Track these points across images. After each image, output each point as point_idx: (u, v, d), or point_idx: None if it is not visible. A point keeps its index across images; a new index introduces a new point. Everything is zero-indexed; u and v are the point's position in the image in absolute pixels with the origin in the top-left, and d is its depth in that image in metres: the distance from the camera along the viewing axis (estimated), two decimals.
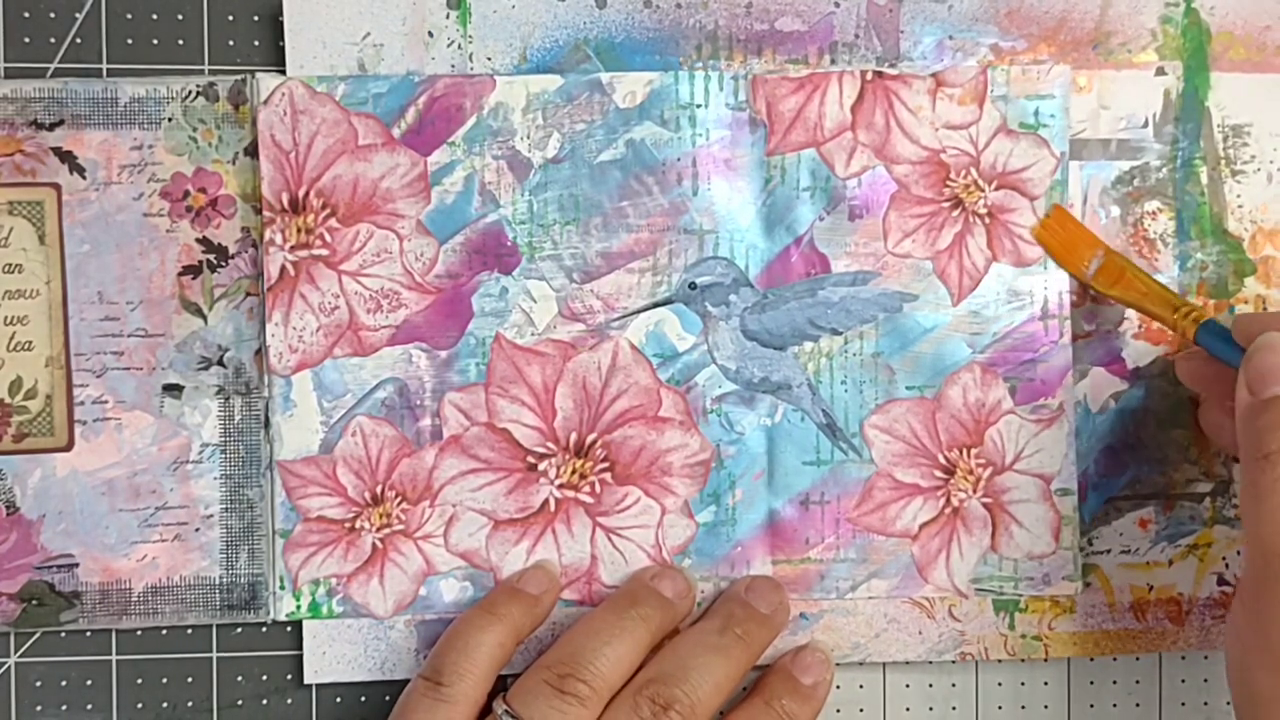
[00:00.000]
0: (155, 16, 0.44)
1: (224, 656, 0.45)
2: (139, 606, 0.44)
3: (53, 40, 0.44)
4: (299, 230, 0.43)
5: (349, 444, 0.44)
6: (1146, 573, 0.45)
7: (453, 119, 0.44)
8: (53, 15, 0.44)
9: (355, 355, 0.44)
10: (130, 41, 0.44)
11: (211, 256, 0.44)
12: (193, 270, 0.44)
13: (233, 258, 0.44)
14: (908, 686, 0.46)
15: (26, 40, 0.44)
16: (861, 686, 0.46)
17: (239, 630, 0.45)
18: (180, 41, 0.44)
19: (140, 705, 0.45)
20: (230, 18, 0.45)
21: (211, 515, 0.44)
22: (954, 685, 0.46)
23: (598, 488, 0.44)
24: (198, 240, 0.44)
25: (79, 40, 0.44)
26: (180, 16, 0.44)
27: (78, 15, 0.44)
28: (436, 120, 0.44)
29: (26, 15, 0.44)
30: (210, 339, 0.44)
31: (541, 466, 0.44)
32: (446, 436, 0.44)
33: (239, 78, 0.44)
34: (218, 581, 0.44)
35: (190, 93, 0.44)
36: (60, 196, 0.43)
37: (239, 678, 0.45)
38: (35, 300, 0.44)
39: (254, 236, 0.44)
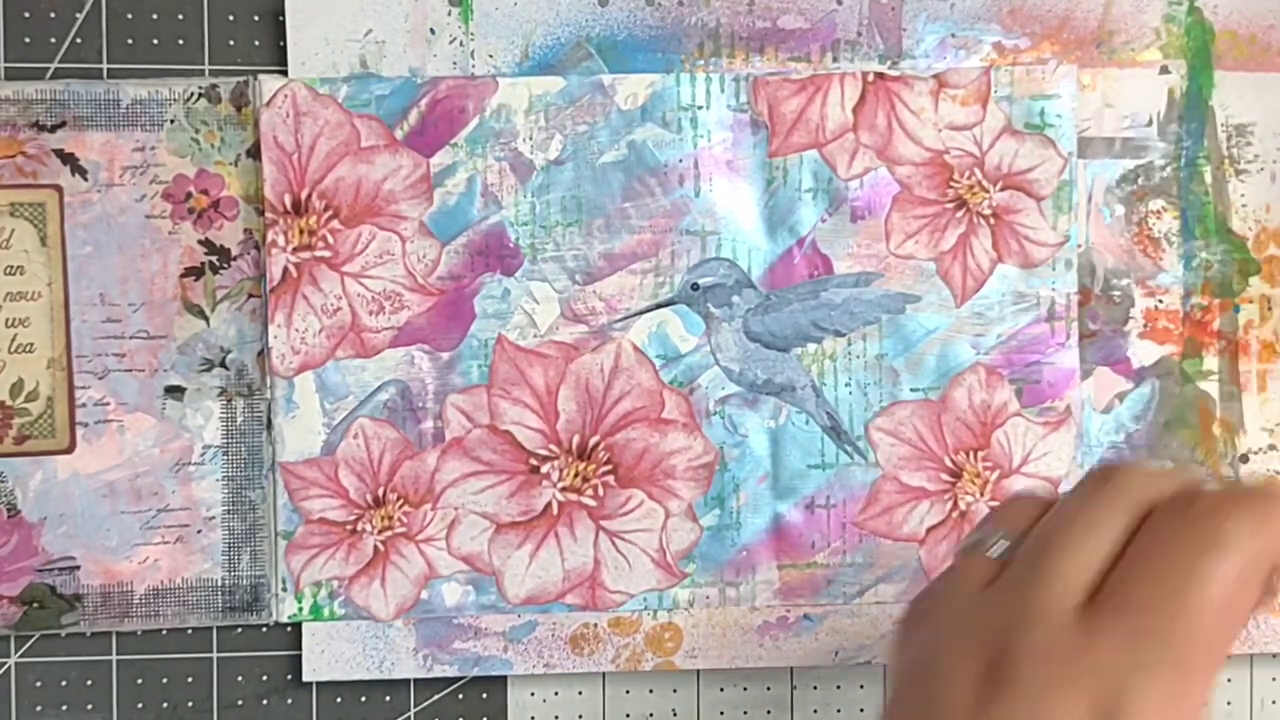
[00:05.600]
0: (155, 16, 0.48)
1: (224, 657, 0.49)
2: (140, 609, 0.48)
3: (53, 40, 0.48)
4: (301, 232, 0.47)
5: (351, 446, 0.48)
6: None
7: (455, 120, 0.47)
8: (53, 15, 0.48)
9: (357, 357, 0.48)
10: (130, 41, 0.48)
11: (214, 258, 0.48)
12: (195, 272, 0.48)
13: (235, 259, 0.48)
14: None
15: (26, 40, 0.48)
16: (862, 687, 0.50)
17: (239, 630, 0.49)
18: (180, 41, 0.48)
19: (140, 705, 0.48)
20: (231, 17, 0.48)
21: (213, 517, 0.48)
22: None
23: (601, 491, 0.48)
24: (200, 242, 0.48)
25: (79, 40, 0.48)
26: (181, 16, 0.48)
27: (78, 15, 0.48)
28: (439, 122, 0.47)
29: (27, 15, 0.48)
30: (212, 340, 0.48)
31: (544, 469, 0.48)
32: (449, 439, 0.48)
33: (241, 79, 0.47)
34: (220, 584, 0.48)
35: (192, 94, 0.47)
36: (62, 198, 0.47)
37: (239, 678, 0.49)
38: (37, 302, 0.47)
39: (256, 238, 0.48)
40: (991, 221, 0.48)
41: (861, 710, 0.50)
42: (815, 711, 0.50)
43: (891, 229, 0.48)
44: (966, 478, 0.48)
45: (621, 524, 0.48)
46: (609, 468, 0.48)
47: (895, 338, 0.48)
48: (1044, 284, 0.48)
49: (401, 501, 0.48)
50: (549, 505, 0.48)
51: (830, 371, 0.48)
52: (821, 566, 0.48)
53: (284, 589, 0.48)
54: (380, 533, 0.48)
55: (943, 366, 0.48)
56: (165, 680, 0.49)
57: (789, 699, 0.50)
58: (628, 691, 0.50)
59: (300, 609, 0.48)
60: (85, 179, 0.47)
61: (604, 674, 0.50)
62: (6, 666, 0.48)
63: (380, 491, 0.48)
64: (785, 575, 0.48)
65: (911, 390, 0.48)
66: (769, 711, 0.50)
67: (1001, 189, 0.48)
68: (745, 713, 0.50)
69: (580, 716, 0.50)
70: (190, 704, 0.49)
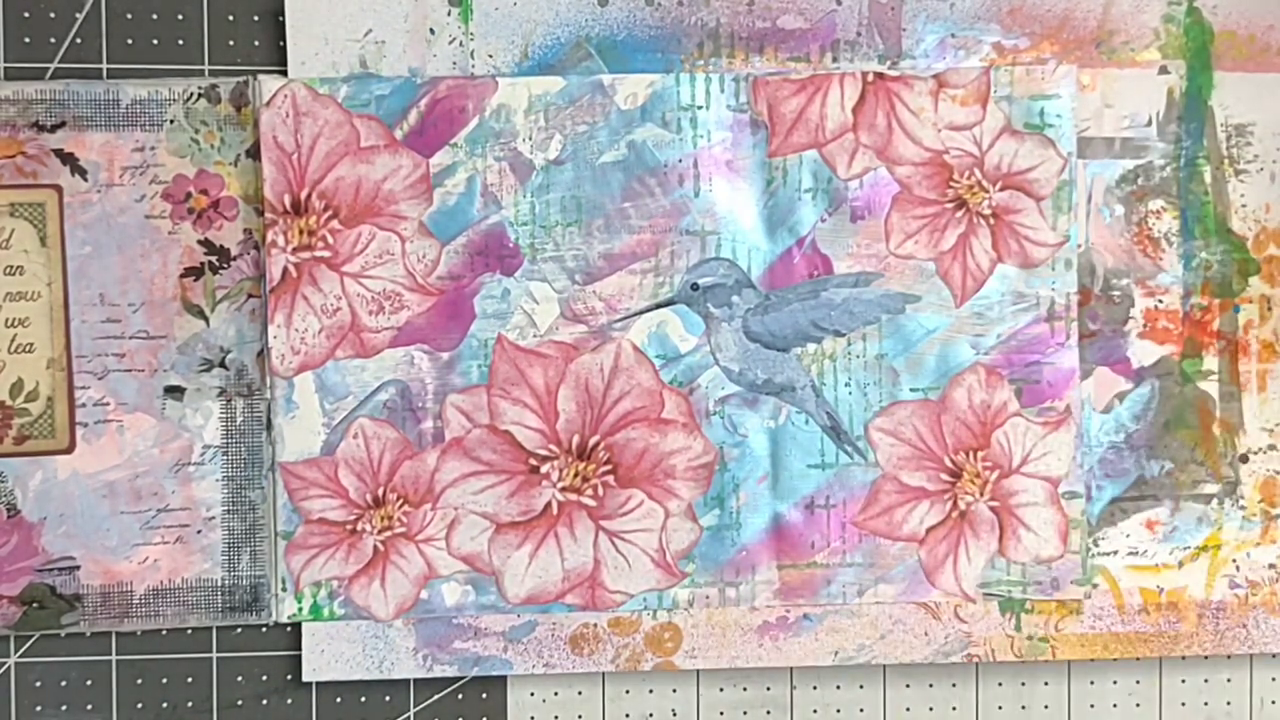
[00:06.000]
0: (155, 16, 0.48)
1: (224, 657, 0.49)
2: (140, 609, 0.48)
3: (53, 40, 0.48)
4: (301, 232, 0.48)
5: (351, 446, 0.48)
6: (1156, 575, 0.49)
7: (455, 120, 0.48)
8: (53, 15, 0.48)
9: (357, 357, 0.48)
10: (130, 41, 0.48)
11: (213, 258, 0.48)
12: (194, 272, 0.48)
13: (235, 259, 0.48)
14: (908, 686, 0.50)
15: (26, 40, 0.48)
16: (862, 687, 0.50)
17: (239, 630, 0.49)
18: (180, 41, 0.49)
19: (140, 705, 0.49)
20: (230, 17, 0.49)
21: (213, 517, 0.48)
22: (954, 685, 0.50)
23: (600, 490, 0.48)
24: (199, 242, 0.48)
25: (79, 40, 0.49)
26: (180, 16, 0.48)
27: (78, 15, 0.48)
28: (439, 122, 0.48)
29: (26, 15, 0.48)
30: (212, 341, 0.48)
31: (544, 469, 0.48)
32: (448, 439, 0.48)
33: (241, 79, 0.48)
34: (219, 584, 0.48)
35: (192, 94, 0.48)
36: (62, 198, 0.47)
37: (239, 678, 0.49)
38: (36, 302, 0.48)
39: (256, 238, 0.48)
40: (991, 221, 0.49)
41: (861, 710, 0.50)
42: (815, 711, 0.50)
43: (891, 229, 0.49)
44: (966, 478, 0.49)
45: (621, 524, 0.49)
46: (609, 468, 0.48)
47: (895, 338, 0.49)
48: (1044, 284, 0.49)
49: (401, 501, 0.48)
50: (549, 505, 0.48)
51: (830, 371, 0.49)
52: (821, 566, 0.49)
53: (284, 589, 0.48)
54: (380, 533, 0.48)
55: (943, 366, 0.49)
56: (165, 680, 0.49)
57: (789, 699, 0.50)
58: (628, 691, 0.50)
59: (300, 609, 0.48)
60: (85, 179, 0.48)
61: (604, 674, 0.50)
62: (6, 666, 0.49)
63: (380, 491, 0.48)
64: (785, 575, 0.49)
65: (911, 390, 0.49)
66: (769, 712, 0.50)
67: (1001, 189, 0.48)
68: (745, 713, 0.50)
69: (580, 716, 0.50)
70: (190, 704, 0.49)
